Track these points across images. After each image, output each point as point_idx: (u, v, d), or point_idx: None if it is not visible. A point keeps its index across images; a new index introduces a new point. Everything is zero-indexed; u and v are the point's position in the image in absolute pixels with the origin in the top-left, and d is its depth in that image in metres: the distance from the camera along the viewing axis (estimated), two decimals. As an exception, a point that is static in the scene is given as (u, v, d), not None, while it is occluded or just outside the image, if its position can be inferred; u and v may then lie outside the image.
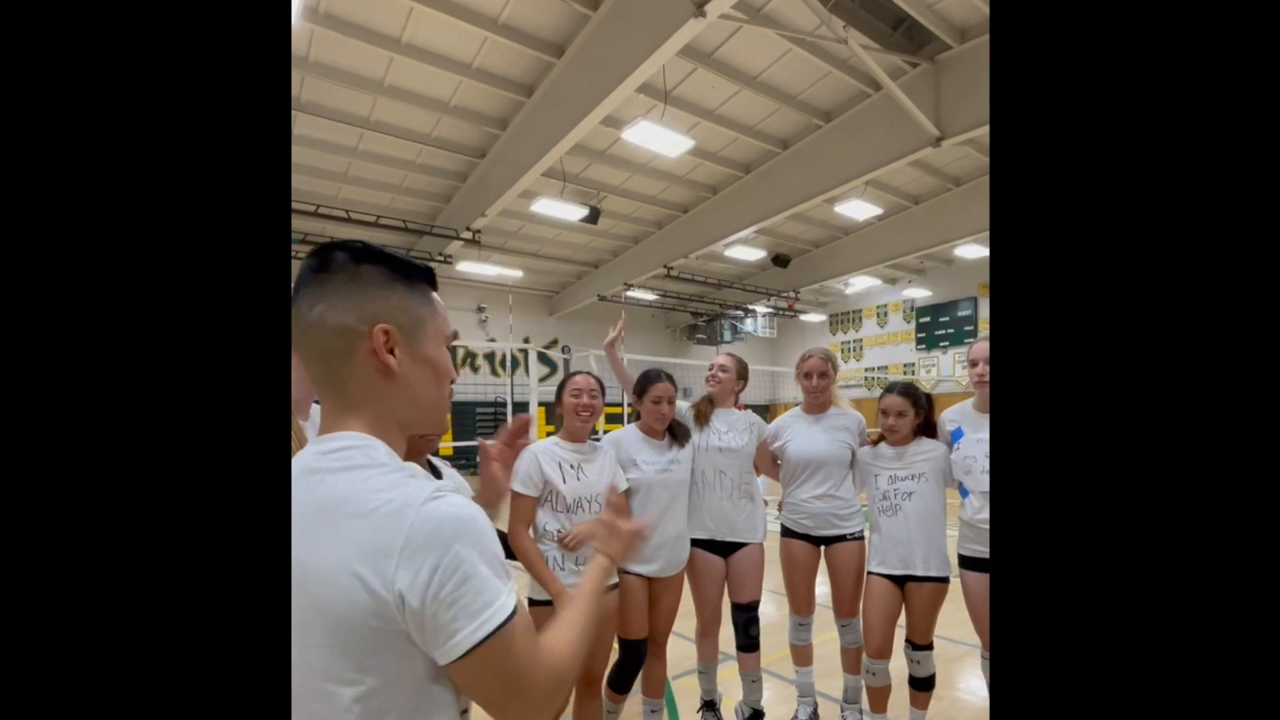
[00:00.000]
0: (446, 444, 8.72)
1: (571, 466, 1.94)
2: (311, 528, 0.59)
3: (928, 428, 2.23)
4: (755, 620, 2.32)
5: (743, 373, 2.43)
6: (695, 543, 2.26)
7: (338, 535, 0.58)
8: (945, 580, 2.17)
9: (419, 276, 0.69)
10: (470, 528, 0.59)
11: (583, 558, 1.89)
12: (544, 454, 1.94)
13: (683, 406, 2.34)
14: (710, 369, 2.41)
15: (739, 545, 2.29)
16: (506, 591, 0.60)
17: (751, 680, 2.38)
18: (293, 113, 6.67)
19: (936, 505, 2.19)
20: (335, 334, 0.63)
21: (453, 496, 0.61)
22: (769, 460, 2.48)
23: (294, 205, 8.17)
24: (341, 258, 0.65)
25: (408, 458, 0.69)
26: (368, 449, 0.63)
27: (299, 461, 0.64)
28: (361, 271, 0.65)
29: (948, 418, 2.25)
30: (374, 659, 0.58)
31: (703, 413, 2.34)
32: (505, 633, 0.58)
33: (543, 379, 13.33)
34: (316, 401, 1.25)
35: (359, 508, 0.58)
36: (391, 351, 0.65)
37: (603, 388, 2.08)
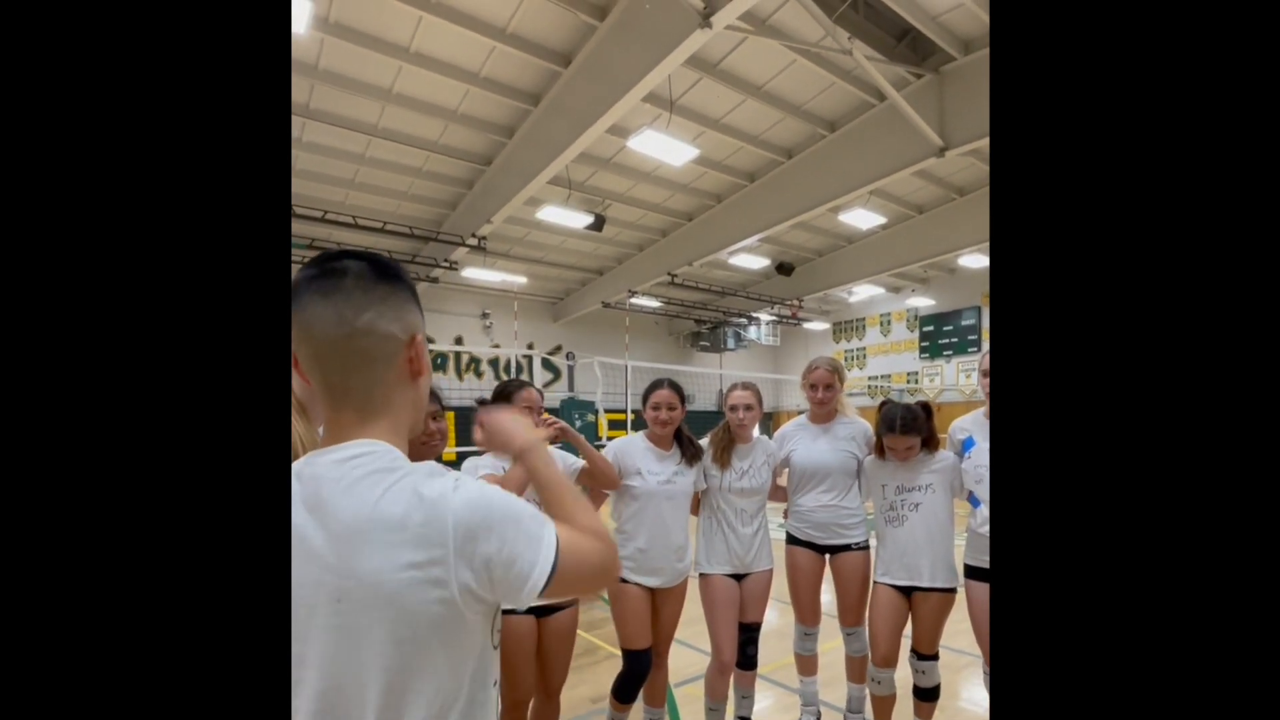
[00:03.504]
0: (450, 449, 8.73)
1: None
2: (361, 533, 0.62)
3: (930, 437, 2.21)
4: (755, 641, 2.31)
5: (761, 402, 2.37)
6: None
7: (385, 539, 0.61)
8: (952, 591, 2.15)
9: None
10: (497, 500, 0.66)
11: None
12: (485, 467, 1.94)
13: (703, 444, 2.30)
14: (734, 410, 2.26)
15: (753, 572, 2.29)
16: (547, 524, 0.68)
17: (743, 696, 2.36)
18: (302, 120, 6.74)
19: (944, 516, 2.17)
20: (384, 340, 0.68)
21: (469, 481, 0.67)
22: (777, 490, 2.47)
23: (301, 211, 8.24)
24: (380, 270, 0.70)
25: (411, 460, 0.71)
26: (388, 454, 0.67)
27: (319, 467, 0.66)
28: (397, 285, 0.70)
29: (959, 426, 2.23)
30: (434, 644, 0.63)
31: (724, 452, 2.26)
32: (564, 552, 0.67)
33: (546, 384, 13.36)
34: None
35: (399, 510, 0.62)
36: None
37: (541, 395, 2.07)
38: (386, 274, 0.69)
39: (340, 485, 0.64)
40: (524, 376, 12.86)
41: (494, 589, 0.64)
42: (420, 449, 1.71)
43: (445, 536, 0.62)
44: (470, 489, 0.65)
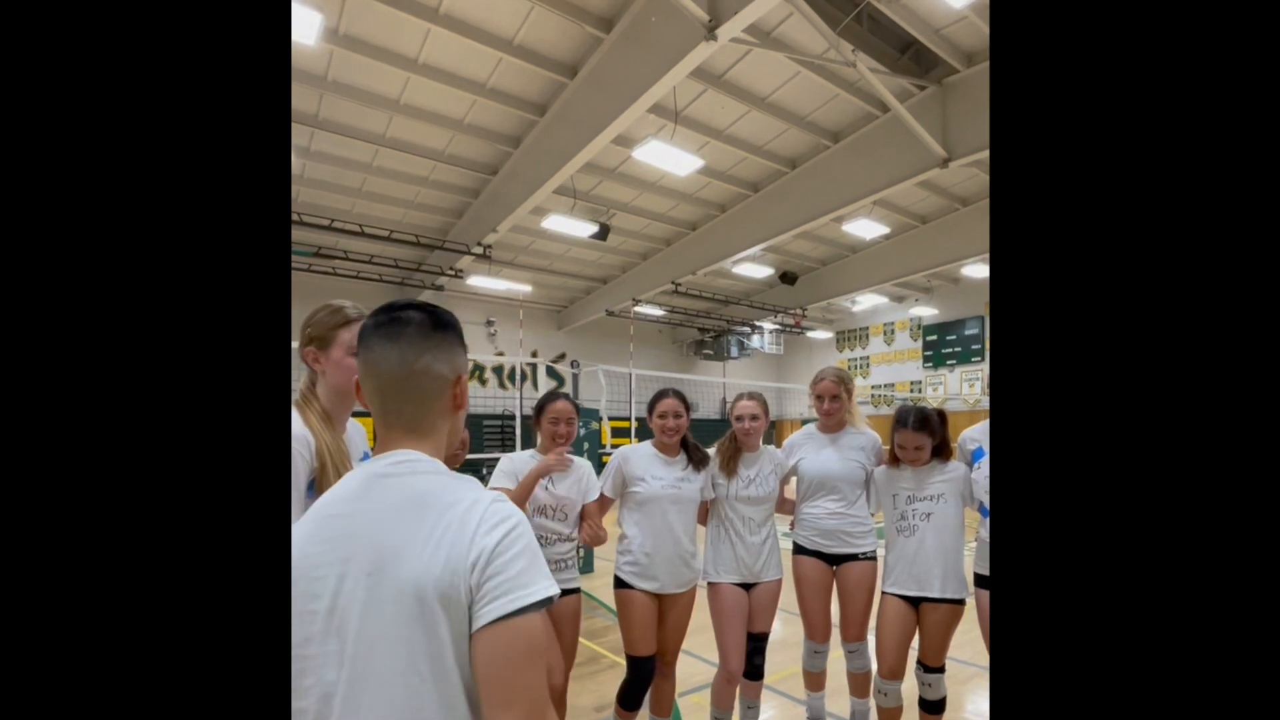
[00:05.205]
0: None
1: (550, 479, 2.10)
2: (403, 514, 0.73)
3: (943, 446, 2.21)
4: (763, 651, 2.30)
5: (767, 411, 2.38)
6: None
7: (429, 520, 0.72)
8: (961, 602, 2.14)
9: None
10: (525, 526, 0.75)
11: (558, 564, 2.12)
12: (521, 464, 2.13)
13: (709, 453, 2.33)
14: (739, 421, 2.30)
15: (762, 581, 2.28)
16: (547, 583, 0.72)
17: (749, 706, 2.34)
18: (310, 130, 6.81)
19: (954, 526, 2.17)
20: (437, 380, 0.82)
21: (508, 502, 0.77)
22: (785, 501, 2.47)
23: (309, 219, 8.31)
24: (436, 321, 0.82)
25: None
26: (434, 463, 0.80)
27: (371, 468, 0.79)
28: (449, 334, 0.84)
29: (969, 437, 2.23)
30: (449, 624, 0.69)
31: (731, 461, 2.28)
32: (533, 617, 0.69)
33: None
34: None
35: (444, 501, 0.74)
36: None
37: (578, 410, 2.20)
38: (441, 324, 0.83)
39: (392, 479, 0.76)
40: (527, 384, 12.89)
41: (482, 582, 0.68)
42: (448, 459, 1.78)
43: (474, 520, 0.71)
44: (510, 505, 0.75)
